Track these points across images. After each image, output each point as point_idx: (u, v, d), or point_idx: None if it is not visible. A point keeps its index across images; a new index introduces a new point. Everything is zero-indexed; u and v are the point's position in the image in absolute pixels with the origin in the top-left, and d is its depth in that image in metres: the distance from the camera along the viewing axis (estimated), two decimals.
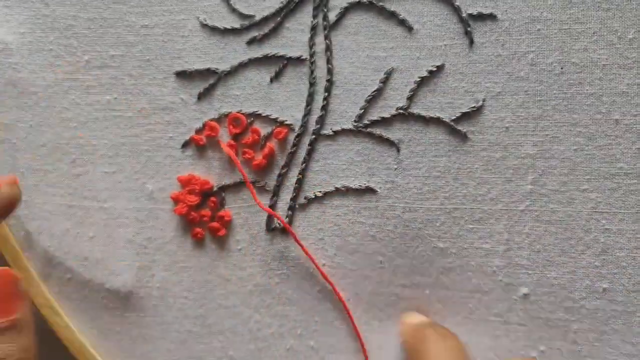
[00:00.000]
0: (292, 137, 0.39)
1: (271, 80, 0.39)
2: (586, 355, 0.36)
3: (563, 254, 0.36)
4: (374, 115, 0.38)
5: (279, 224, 0.39)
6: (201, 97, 0.40)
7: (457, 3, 0.36)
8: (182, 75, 0.40)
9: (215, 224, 0.40)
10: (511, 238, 0.37)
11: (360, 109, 0.38)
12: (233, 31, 0.39)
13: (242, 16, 0.39)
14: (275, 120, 0.39)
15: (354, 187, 0.38)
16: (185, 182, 0.40)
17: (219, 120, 0.40)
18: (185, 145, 0.40)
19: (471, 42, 0.36)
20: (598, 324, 0.36)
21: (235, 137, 0.40)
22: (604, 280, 0.36)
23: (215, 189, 0.40)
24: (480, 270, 0.37)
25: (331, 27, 0.38)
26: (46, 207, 0.41)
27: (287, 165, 0.39)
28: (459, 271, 0.37)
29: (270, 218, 0.39)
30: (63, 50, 0.41)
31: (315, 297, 0.39)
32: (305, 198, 0.39)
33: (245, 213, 0.40)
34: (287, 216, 0.39)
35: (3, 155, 0.42)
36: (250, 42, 0.39)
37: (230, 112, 0.39)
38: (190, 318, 0.41)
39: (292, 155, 0.39)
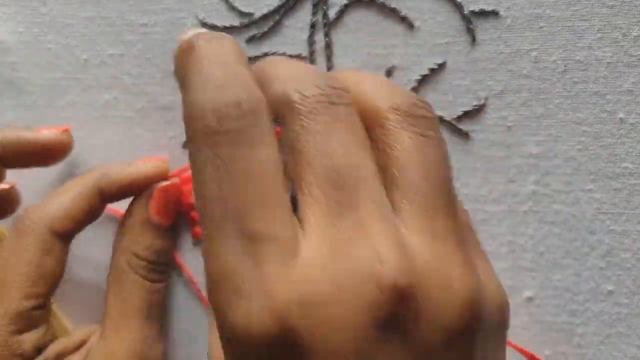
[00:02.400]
0: None
1: None
2: (591, 358, 0.36)
3: (567, 256, 0.36)
4: None
5: None
6: None
7: (459, 0, 0.36)
8: None
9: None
10: (514, 240, 0.36)
11: None
12: (232, 29, 0.39)
13: (242, 14, 0.39)
14: (274, 120, 0.39)
15: None
16: (186, 182, 0.40)
17: None
18: (185, 146, 0.40)
19: (473, 39, 0.36)
20: (603, 327, 0.35)
21: None
22: (608, 282, 0.35)
23: None
24: None
25: (331, 25, 0.38)
26: None
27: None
28: None
29: None
30: (61, 49, 0.41)
31: None
32: None
33: None
34: None
35: None
36: (250, 40, 0.39)
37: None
38: (189, 320, 0.40)
39: None
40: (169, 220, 0.36)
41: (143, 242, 0.36)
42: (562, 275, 0.36)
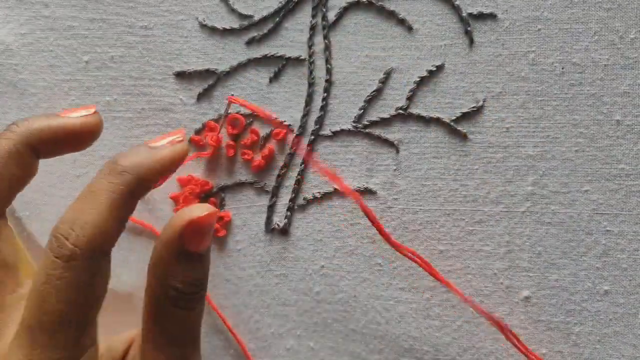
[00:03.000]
0: (291, 138, 0.39)
1: (270, 81, 0.39)
2: (587, 358, 0.36)
3: (564, 256, 0.36)
4: (373, 115, 0.38)
5: (277, 225, 0.39)
6: (200, 97, 0.40)
7: (457, 2, 0.36)
8: (181, 75, 0.40)
9: (215, 225, 0.40)
10: (512, 240, 0.36)
11: (360, 109, 0.38)
12: (232, 31, 0.39)
13: (241, 16, 0.39)
14: (274, 121, 0.39)
15: (352, 188, 0.38)
16: (185, 183, 0.40)
17: (218, 120, 0.40)
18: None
19: (471, 41, 0.36)
20: (600, 327, 0.36)
21: (235, 137, 0.40)
22: (605, 282, 0.36)
23: (215, 189, 0.40)
24: (481, 272, 0.37)
25: (330, 27, 0.38)
26: (47, 209, 0.41)
27: (286, 166, 0.39)
28: (459, 274, 0.37)
29: (269, 219, 0.39)
30: (63, 51, 0.41)
31: (314, 299, 0.39)
32: (304, 199, 0.39)
33: (245, 214, 0.40)
34: (285, 217, 0.39)
35: None
36: (250, 43, 0.39)
37: (229, 113, 0.39)
38: None
39: (291, 156, 0.39)
40: (206, 246, 0.33)
41: (181, 274, 0.32)
42: (559, 275, 0.36)
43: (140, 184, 0.31)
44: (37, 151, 0.33)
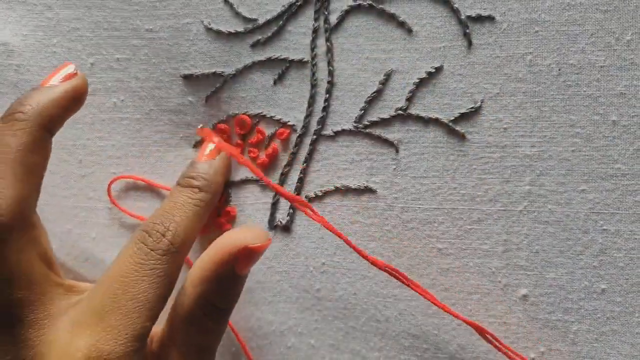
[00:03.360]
0: (294, 138, 0.40)
1: (275, 83, 0.40)
2: (585, 356, 0.36)
3: (561, 255, 0.36)
4: (374, 116, 0.38)
5: (280, 222, 0.40)
6: (208, 99, 0.41)
7: (455, 5, 0.37)
8: (189, 78, 0.41)
9: (221, 219, 0.41)
10: (509, 239, 0.37)
11: (360, 109, 0.38)
12: (237, 35, 0.40)
13: (246, 20, 0.40)
14: (278, 121, 0.40)
15: (353, 186, 0.39)
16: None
17: (226, 121, 0.41)
18: (196, 145, 0.41)
19: (470, 43, 0.37)
20: (597, 325, 0.36)
21: (242, 137, 0.40)
22: (602, 280, 0.36)
23: None
24: (479, 271, 0.37)
25: (332, 30, 0.39)
26: (49, 208, 0.42)
27: (290, 164, 0.40)
28: (458, 272, 0.37)
29: (272, 216, 0.40)
30: (67, 53, 0.42)
31: (315, 296, 0.39)
32: (306, 197, 0.39)
33: (249, 210, 0.40)
34: (288, 214, 0.40)
35: None
36: (254, 46, 0.40)
37: (236, 114, 0.40)
38: None
39: (294, 155, 0.40)
40: (250, 269, 0.35)
41: (224, 293, 0.34)
42: (556, 273, 0.36)
43: (214, 200, 0.38)
44: (51, 131, 0.34)
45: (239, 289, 0.35)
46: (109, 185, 0.41)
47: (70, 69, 0.36)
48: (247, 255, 0.33)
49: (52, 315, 0.32)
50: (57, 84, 0.35)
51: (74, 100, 0.35)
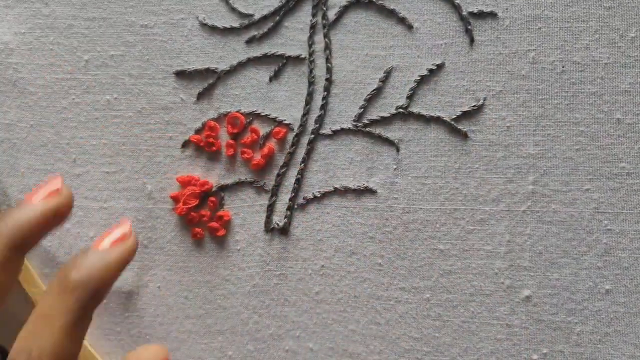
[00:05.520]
0: (291, 137, 0.39)
1: (270, 80, 0.39)
2: (588, 357, 0.36)
3: (565, 255, 0.36)
4: (374, 114, 0.38)
5: (277, 224, 0.39)
6: (200, 96, 0.40)
7: (457, 1, 0.36)
8: (181, 74, 0.40)
9: (214, 224, 0.40)
10: (513, 239, 0.36)
11: (360, 108, 0.38)
12: (232, 30, 0.39)
13: (242, 15, 0.39)
14: (274, 120, 0.39)
15: (353, 187, 0.38)
16: (185, 183, 0.40)
17: (218, 119, 0.40)
18: (185, 145, 0.40)
19: (472, 40, 0.36)
20: (601, 326, 0.36)
21: (234, 136, 0.40)
22: (606, 281, 0.35)
23: (214, 189, 0.40)
24: (482, 272, 0.37)
25: (330, 26, 0.38)
26: None
27: (286, 165, 0.39)
28: (460, 273, 0.37)
29: (269, 218, 0.39)
30: (63, 50, 0.41)
31: (313, 299, 0.39)
32: (304, 198, 0.39)
33: (244, 213, 0.40)
34: (285, 216, 0.39)
35: (3, 155, 0.42)
36: (250, 41, 0.39)
37: (229, 112, 0.39)
38: (190, 318, 0.41)
39: (291, 155, 0.39)
40: None
41: None
42: (560, 274, 0.36)
43: (94, 298, 0.30)
44: (23, 250, 0.31)
45: None
46: None
47: (56, 184, 0.33)
48: None
49: None
50: (37, 203, 0.32)
51: (54, 219, 0.32)
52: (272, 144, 0.39)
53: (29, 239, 0.31)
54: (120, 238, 0.33)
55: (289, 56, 0.38)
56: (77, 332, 0.30)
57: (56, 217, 0.32)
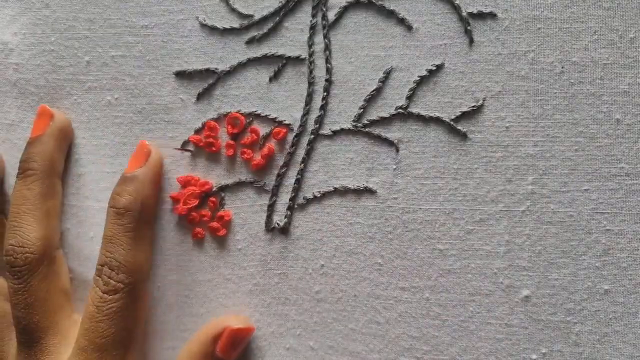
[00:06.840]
0: (291, 137, 0.39)
1: (270, 80, 0.39)
2: (588, 357, 0.36)
3: (564, 255, 0.36)
4: (373, 114, 0.38)
5: (278, 224, 0.39)
6: (200, 97, 0.40)
7: (457, 1, 0.36)
8: (181, 75, 0.40)
9: (215, 224, 0.40)
10: (512, 239, 0.36)
11: (360, 108, 0.38)
12: (232, 31, 0.39)
13: (242, 16, 0.39)
14: (274, 120, 0.39)
15: (352, 187, 0.38)
16: (185, 183, 0.40)
17: (218, 120, 0.40)
18: (184, 145, 0.40)
19: (471, 41, 0.36)
20: (600, 326, 0.36)
21: (234, 136, 0.40)
22: (605, 281, 0.35)
23: (214, 189, 0.40)
24: (481, 272, 0.37)
25: (330, 27, 0.38)
26: None
27: (286, 165, 0.39)
28: (459, 273, 0.37)
29: (269, 218, 0.39)
30: (64, 51, 0.41)
31: (314, 298, 0.39)
32: (304, 198, 0.39)
33: (245, 213, 0.40)
34: (285, 216, 0.39)
35: (5, 156, 0.42)
36: (250, 42, 0.39)
37: (229, 112, 0.39)
38: (191, 317, 0.41)
39: (290, 155, 0.39)
40: (234, 357, 0.39)
41: None
42: (558, 274, 0.36)
43: (143, 213, 0.38)
44: (59, 174, 0.41)
45: None
46: None
47: (45, 112, 0.40)
48: (229, 338, 0.38)
49: (61, 343, 0.38)
50: (46, 133, 0.40)
51: (65, 139, 0.41)
52: (272, 144, 0.39)
53: (57, 162, 0.41)
54: (144, 156, 0.39)
55: (289, 57, 0.39)
56: (141, 244, 0.38)
57: (66, 136, 0.41)
